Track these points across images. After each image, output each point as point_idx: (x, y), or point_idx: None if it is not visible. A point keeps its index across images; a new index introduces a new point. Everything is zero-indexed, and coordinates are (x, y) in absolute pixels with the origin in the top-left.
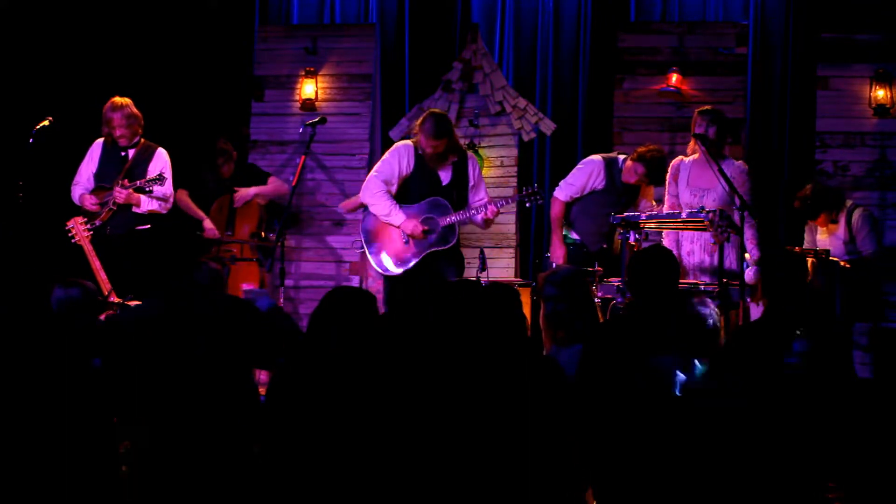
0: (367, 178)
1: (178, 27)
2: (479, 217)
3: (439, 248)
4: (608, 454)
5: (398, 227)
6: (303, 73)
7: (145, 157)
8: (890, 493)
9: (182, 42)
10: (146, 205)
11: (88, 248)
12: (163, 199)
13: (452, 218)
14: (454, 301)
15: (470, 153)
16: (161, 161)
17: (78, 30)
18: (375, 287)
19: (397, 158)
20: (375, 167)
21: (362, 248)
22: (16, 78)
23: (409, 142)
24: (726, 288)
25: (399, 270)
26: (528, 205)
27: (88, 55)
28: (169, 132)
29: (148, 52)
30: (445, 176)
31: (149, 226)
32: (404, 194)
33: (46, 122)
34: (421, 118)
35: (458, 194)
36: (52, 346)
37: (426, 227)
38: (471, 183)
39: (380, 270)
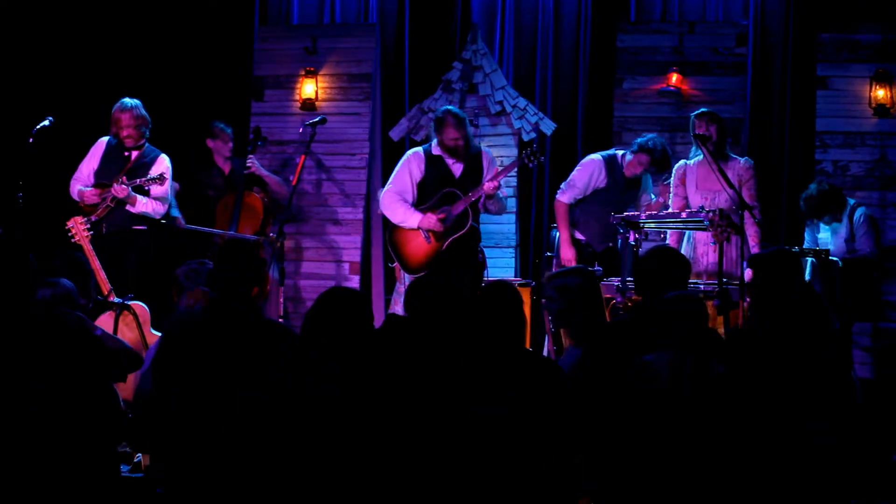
0: (382, 192)
1: (178, 27)
2: (484, 188)
3: (459, 234)
4: (606, 455)
5: (417, 228)
6: (303, 73)
7: (147, 160)
8: (890, 493)
9: (182, 42)
10: (140, 206)
11: (88, 248)
12: (158, 201)
13: (462, 203)
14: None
15: (485, 149)
16: (162, 166)
17: (78, 30)
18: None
19: (408, 168)
20: (390, 180)
21: (394, 264)
22: (16, 78)
23: (417, 149)
24: (726, 288)
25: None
26: (530, 165)
27: (88, 55)
28: (168, 132)
29: (148, 51)
30: (458, 169)
31: (144, 227)
32: (422, 198)
33: (46, 122)
34: (438, 117)
35: (472, 187)
36: (45, 344)
37: (441, 216)
38: (486, 176)
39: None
